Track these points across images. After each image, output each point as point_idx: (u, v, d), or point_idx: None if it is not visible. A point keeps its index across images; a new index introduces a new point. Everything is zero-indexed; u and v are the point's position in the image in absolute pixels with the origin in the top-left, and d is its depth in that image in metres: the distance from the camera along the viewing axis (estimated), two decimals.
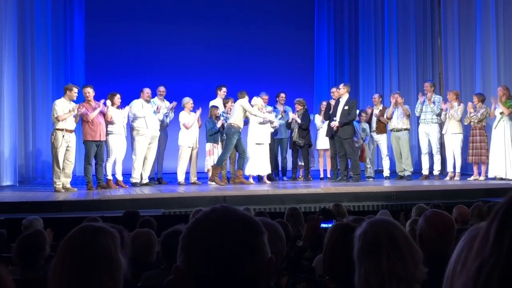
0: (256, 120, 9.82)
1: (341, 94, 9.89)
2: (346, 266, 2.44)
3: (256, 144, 9.85)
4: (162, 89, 10.26)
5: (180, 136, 9.93)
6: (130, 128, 9.67)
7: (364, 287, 1.95)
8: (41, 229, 3.82)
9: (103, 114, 9.18)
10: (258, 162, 9.85)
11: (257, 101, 9.74)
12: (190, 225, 1.16)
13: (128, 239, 3.06)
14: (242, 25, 15.38)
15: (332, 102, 10.15)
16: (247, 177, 9.89)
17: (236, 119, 9.47)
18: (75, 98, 8.98)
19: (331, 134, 10.17)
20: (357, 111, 10.31)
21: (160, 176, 10.46)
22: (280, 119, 10.50)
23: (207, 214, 1.16)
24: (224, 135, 9.69)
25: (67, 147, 8.76)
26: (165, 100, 10.28)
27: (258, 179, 10.14)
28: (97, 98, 9.35)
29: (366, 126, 10.70)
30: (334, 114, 9.81)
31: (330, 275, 2.53)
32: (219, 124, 9.83)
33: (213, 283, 1.09)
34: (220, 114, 10.00)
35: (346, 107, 9.72)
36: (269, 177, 10.15)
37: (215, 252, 1.09)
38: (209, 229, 1.12)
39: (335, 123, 9.71)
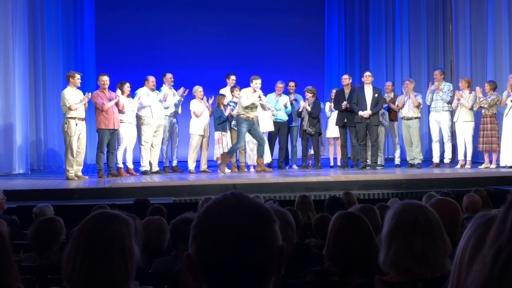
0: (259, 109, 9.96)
1: (368, 82, 9.89)
2: (349, 253, 2.47)
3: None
4: (169, 76, 10.23)
5: (190, 124, 9.97)
6: (136, 117, 9.69)
7: (391, 268, 1.92)
8: (57, 217, 3.83)
9: (115, 102, 9.20)
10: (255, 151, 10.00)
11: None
12: (201, 213, 1.16)
13: (140, 226, 3.08)
14: (251, 13, 15.33)
15: (346, 89, 10.14)
16: (247, 166, 10.10)
17: (239, 109, 9.44)
18: (79, 85, 8.99)
19: (343, 123, 10.17)
20: None
21: (175, 164, 10.46)
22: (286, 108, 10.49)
23: (219, 202, 1.16)
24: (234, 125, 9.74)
25: (79, 135, 8.82)
26: (172, 88, 10.25)
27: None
28: (108, 87, 9.36)
29: (384, 112, 10.68)
30: (364, 103, 9.74)
31: (332, 262, 2.56)
32: (226, 113, 9.85)
33: (224, 271, 1.10)
34: (228, 103, 10.01)
35: (376, 95, 9.77)
36: (269, 164, 10.24)
37: (226, 240, 1.09)
38: (220, 218, 1.12)
39: (368, 112, 9.65)
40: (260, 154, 9.62)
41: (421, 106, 10.46)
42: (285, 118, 10.47)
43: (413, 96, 10.27)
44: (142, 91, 9.70)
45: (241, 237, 1.10)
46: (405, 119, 10.44)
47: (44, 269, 3.17)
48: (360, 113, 9.69)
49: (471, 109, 9.84)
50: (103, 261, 1.64)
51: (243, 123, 9.37)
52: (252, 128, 9.49)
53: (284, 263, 1.16)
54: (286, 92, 10.81)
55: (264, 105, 9.62)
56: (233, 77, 10.55)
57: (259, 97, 9.36)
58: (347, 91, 10.24)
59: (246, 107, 9.30)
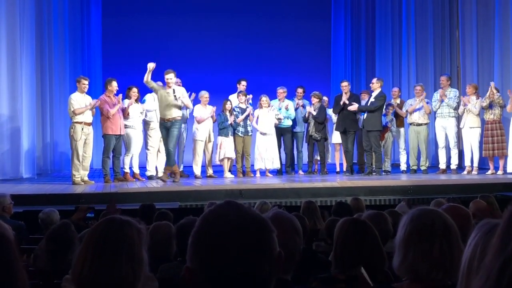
0: (262, 112, 10.07)
1: (375, 88, 9.94)
2: (355, 260, 2.46)
3: (261, 134, 10.05)
4: (177, 80, 10.23)
5: (194, 129, 9.99)
6: (144, 122, 9.73)
7: (408, 273, 1.90)
8: (69, 222, 3.80)
9: (121, 109, 9.23)
10: (263, 155, 10.02)
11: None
12: (198, 227, 1.17)
13: (145, 231, 3.08)
14: (258, 18, 15.32)
15: (344, 96, 10.14)
16: (253, 171, 10.11)
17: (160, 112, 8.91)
18: (85, 90, 9.01)
19: (344, 128, 10.15)
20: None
21: (181, 169, 10.42)
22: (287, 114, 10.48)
23: (216, 214, 1.17)
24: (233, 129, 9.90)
25: (85, 140, 8.84)
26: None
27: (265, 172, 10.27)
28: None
29: (392, 118, 10.64)
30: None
31: (339, 269, 2.55)
32: (231, 119, 9.86)
33: (229, 283, 1.12)
34: (233, 109, 10.02)
35: (373, 99, 9.81)
36: (279, 171, 10.40)
37: (229, 254, 1.11)
38: (220, 231, 1.13)
39: (354, 107, 9.85)
40: (168, 161, 8.83)
41: (431, 113, 10.44)
42: (288, 124, 10.46)
43: (425, 103, 10.23)
44: (148, 96, 9.74)
45: (243, 249, 1.11)
46: (414, 125, 10.39)
47: (60, 274, 3.15)
48: (350, 107, 9.87)
49: (478, 115, 9.80)
50: (112, 264, 1.64)
51: (162, 126, 8.77)
52: (169, 130, 8.71)
53: (281, 268, 1.18)
54: (293, 98, 10.81)
55: (186, 103, 8.98)
56: (243, 83, 10.54)
57: (174, 93, 8.72)
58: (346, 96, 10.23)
59: (162, 108, 8.71)
